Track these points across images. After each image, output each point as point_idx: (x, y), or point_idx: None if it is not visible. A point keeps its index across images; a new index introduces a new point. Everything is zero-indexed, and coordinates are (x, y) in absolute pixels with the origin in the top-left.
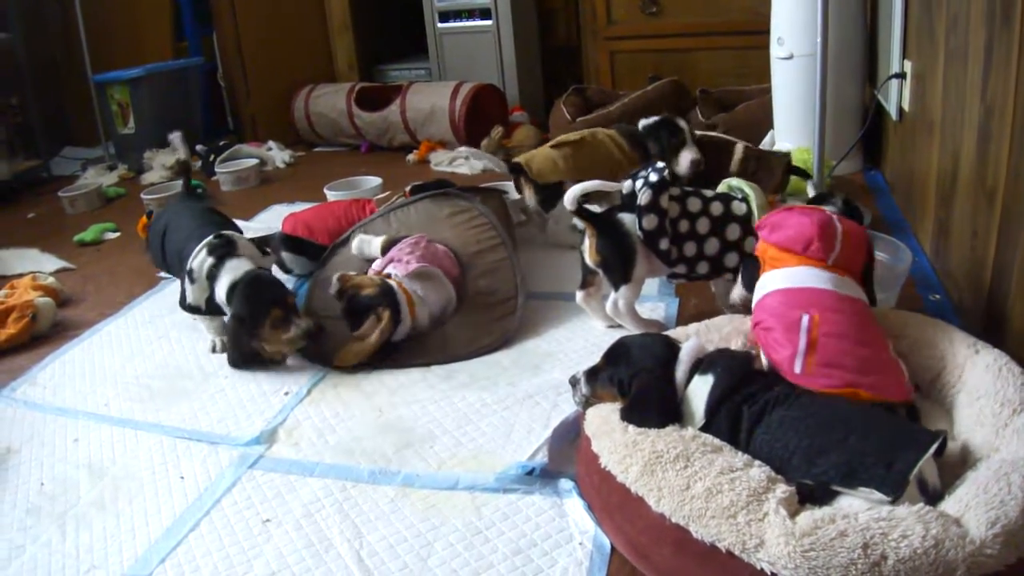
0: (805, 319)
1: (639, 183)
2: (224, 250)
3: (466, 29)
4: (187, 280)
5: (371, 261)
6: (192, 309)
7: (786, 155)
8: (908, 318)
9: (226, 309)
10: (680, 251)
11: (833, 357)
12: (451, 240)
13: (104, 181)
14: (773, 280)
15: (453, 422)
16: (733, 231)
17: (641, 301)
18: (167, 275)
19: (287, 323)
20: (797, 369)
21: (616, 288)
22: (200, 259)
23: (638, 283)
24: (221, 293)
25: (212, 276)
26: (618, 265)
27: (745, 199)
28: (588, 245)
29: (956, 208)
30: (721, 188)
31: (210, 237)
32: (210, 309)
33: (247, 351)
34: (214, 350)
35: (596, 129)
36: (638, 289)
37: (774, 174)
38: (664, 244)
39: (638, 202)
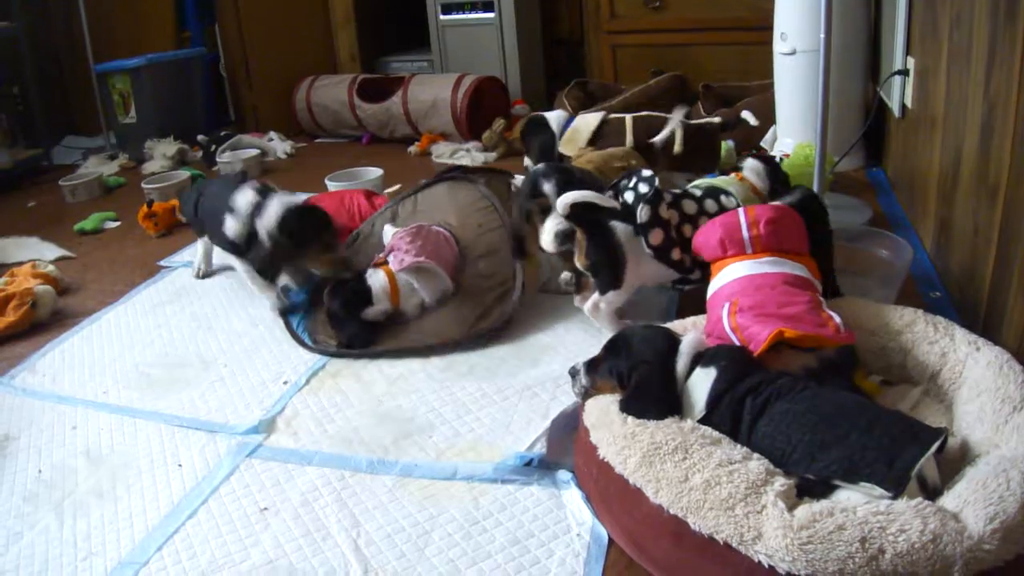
0: (726, 307)
1: (629, 195)
2: (268, 190)
3: (468, 21)
4: (228, 214)
5: None
6: (230, 244)
7: (717, 124)
8: (911, 315)
9: (266, 235)
10: (692, 257)
11: (756, 320)
12: (455, 222)
13: (105, 170)
14: (710, 290)
15: (452, 412)
16: None
17: (642, 294)
18: (168, 264)
19: (333, 247)
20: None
21: (603, 293)
22: (244, 194)
23: (627, 290)
24: (270, 220)
25: (255, 211)
26: (607, 271)
27: (731, 193)
28: (577, 249)
29: (958, 205)
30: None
31: (252, 182)
32: (246, 248)
33: (281, 265)
34: (277, 307)
35: (620, 152)
36: (625, 296)
37: (714, 146)
38: (676, 255)
39: (639, 220)
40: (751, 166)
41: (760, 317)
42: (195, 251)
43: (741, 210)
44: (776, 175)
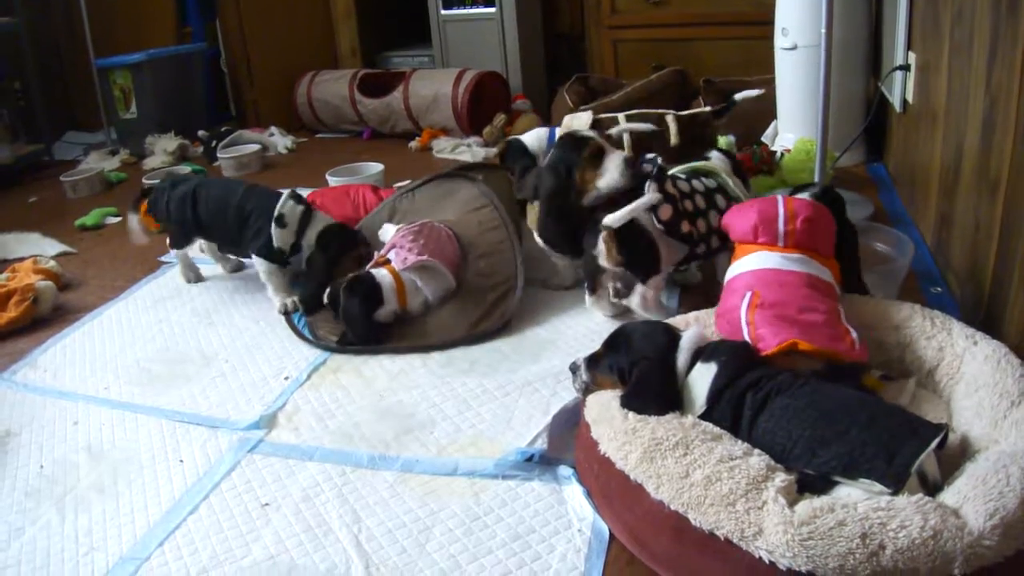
0: (747, 297)
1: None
2: (307, 203)
3: (470, 16)
4: (274, 225)
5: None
6: (277, 254)
7: (709, 112)
8: (908, 310)
9: (306, 251)
10: (697, 230)
11: (771, 321)
12: (453, 222)
13: (106, 166)
14: (732, 271)
15: (453, 408)
16: (721, 202)
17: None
18: (168, 260)
19: (365, 261)
20: (746, 338)
21: (645, 281)
22: (290, 206)
23: (664, 272)
24: (312, 237)
25: (304, 222)
26: (645, 260)
27: (708, 174)
28: (605, 248)
29: (959, 200)
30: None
31: (289, 191)
32: (288, 257)
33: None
34: (284, 311)
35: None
36: (664, 278)
37: (707, 135)
38: (685, 227)
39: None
40: (717, 157)
41: (777, 320)
42: (183, 255)
43: (780, 200)
44: (737, 168)
